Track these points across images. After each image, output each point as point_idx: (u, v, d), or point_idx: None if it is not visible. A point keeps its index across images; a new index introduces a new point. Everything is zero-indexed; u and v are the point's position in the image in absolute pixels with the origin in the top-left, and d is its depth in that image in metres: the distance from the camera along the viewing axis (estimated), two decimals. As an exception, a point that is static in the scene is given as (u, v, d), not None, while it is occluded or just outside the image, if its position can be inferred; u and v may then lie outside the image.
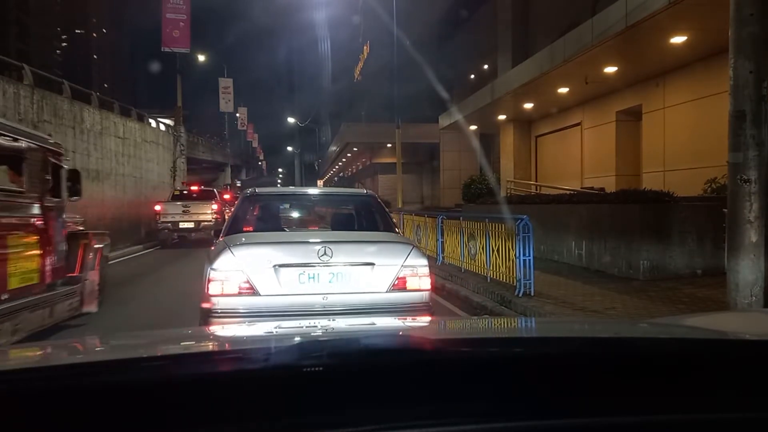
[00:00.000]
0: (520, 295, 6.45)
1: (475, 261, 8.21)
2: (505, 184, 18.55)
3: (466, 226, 8.64)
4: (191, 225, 15.51)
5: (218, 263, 3.75)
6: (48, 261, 5.25)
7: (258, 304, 3.73)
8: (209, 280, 3.73)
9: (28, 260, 4.91)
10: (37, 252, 5.07)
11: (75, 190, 6.16)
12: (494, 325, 2.34)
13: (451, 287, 8.19)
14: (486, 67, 27.89)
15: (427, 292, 4.00)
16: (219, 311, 3.69)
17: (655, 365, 1.03)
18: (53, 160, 5.58)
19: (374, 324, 2.05)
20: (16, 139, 4.85)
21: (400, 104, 32.76)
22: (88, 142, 13.44)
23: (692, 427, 0.94)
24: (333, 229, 5.17)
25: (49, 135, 6.48)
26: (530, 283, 6.47)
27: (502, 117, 19.36)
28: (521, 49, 19.18)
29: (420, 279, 3.96)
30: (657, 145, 13.04)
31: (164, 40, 25.06)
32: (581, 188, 15.07)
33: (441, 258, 9.88)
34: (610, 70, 12.27)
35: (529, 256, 6.44)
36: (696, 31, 9.66)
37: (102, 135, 14.28)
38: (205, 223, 15.68)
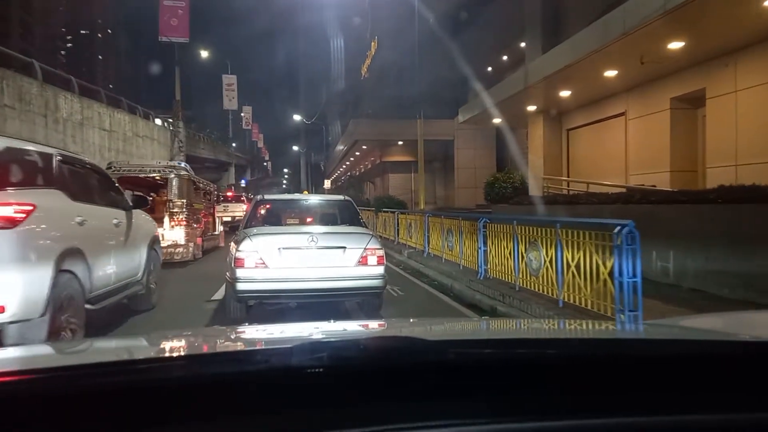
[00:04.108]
0: (623, 331, 4.60)
1: (538, 278, 6.37)
2: (538, 182, 16.66)
3: (523, 233, 6.80)
4: (229, 219, 21.01)
5: (242, 246, 5.27)
6: (213, 226, 14.31)
7: (268, 274, 5.22)
8: (236, 258, 5.23)
9: (210, 224, 14.04)
10: (212, 223, 14.23)
11: (218, 201, 15.80)
12: (495, 326, 2.33)
13: (505, 311, 6.37)
14: (505, 58, 26.10)
15: (382, 266, 5.54)
16: (241, 278, 5.18)
17: (655, 366, 1.03)
18: (214, 191, 15.36)
19: (374, 326, 2.05)
20: (209, 187, 14.54)
21: (409, 102, 31.03)
22: (65, 133, 11.65)
23: (693, 428, 0.93)
24: (319, 224, 6.78)
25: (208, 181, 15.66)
26: (638, 315, 4.61)
27: (531, 108, 17.49)
28: (551, 35, 17.36)
29: (376, 258, 5.50)
30: (726, 135, 11.14)
31: (161, 28, 23.36)
32: (627, 186, 13.24)
33: (483, 271, 8.04)
34: (676, 46, 10.39)
35: (637, 276, 4.59)
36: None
37: (83, 126, 12.50)
38: (238, 217, 21.37)
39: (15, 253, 3.63)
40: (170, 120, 21.63)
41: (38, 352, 1.35)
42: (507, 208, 13.67)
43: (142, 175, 11.18)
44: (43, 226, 3.97)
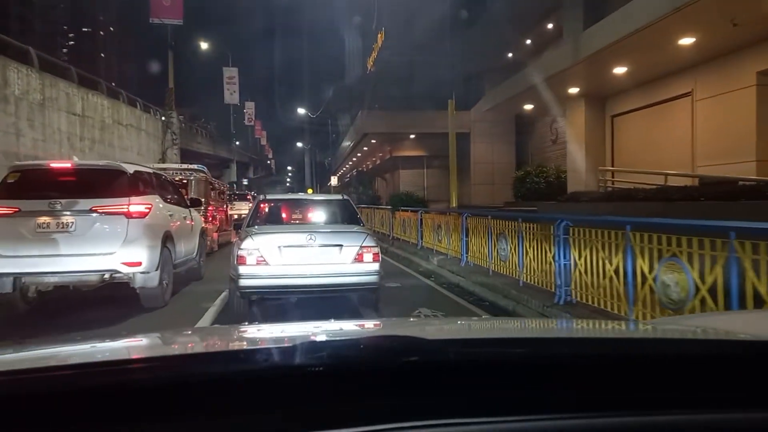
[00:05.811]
0: None
1: (683, 312, 4.14)
2: (580, 175, 14.40)
3: (644, 243, 4.58)
4: (236, 216, 21.48)
5: (244, 245, 5.65)
6: (227, 222, 15.38)
7: (269, 271, 5.61)
8: (238, 256, 5.60)
9: (224, 221, 14.96)
10: (225, 219, 15.27)
11: (230, 200, 18.81)
12: (497, 325, 2.30)
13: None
14: (528, 42, 23.86)
15: (377, 263, 5.87)
16: (244, 275, 5.55)
17: (656, 365, 1.02)
18: (228, 191, 19.41)
19: (376, 325, 2.07)
20: (222, 187, 17.08)
21: (419, 93, 28.81)
22: (17, 115, 9.46)
23: (693, 427, 0.93)
24: (319, 223, 7.21)
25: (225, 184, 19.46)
26: None
27: (573, 90, 15.25)
28: (593, 9, 15.16)
29: (372, 255, 5.84)
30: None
31: (153, 9, 21.23)
32: (701, 176, 11.04)
33: (563, 293, 5.84)
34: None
35: None
36: None
37: (44, 108, 10.33)
38: (244, 214, 23.31)
39: (145, 232, 6.18)
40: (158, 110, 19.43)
41: (39, 353, 1.29)
42: (555, 206, 11.48)
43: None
44: (155, 217, 6.48)
